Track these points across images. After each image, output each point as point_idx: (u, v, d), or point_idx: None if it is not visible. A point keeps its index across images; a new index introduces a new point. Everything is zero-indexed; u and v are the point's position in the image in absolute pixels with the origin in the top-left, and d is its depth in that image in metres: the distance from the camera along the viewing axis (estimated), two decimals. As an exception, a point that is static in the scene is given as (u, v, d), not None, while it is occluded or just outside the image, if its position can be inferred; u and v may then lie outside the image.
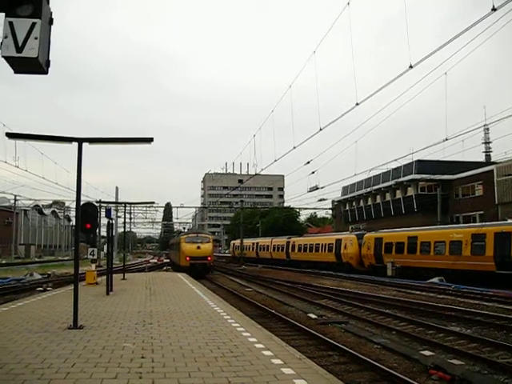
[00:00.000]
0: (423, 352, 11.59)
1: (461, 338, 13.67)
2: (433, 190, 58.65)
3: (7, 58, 4.78)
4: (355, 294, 25.76)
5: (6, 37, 4.74)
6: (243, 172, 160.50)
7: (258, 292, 27.93)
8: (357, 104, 21.19)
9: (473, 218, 53.35)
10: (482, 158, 64.93)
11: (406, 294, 25.41)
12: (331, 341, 12.71)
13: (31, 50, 4.71)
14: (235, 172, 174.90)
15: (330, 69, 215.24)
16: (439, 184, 56.81)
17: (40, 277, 36.64)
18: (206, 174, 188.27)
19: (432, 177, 55.58)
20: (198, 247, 42.92)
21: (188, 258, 42.46)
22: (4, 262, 58.99)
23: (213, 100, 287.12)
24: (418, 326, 15.75)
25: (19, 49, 4.70)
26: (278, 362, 8.11)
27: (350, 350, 11.53)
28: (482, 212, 50.52)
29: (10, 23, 4.76)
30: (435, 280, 31.60)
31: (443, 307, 19.54)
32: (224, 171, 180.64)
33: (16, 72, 5.07)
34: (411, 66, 17.20)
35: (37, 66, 4.89)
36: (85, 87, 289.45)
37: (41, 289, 25.92)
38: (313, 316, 18.02)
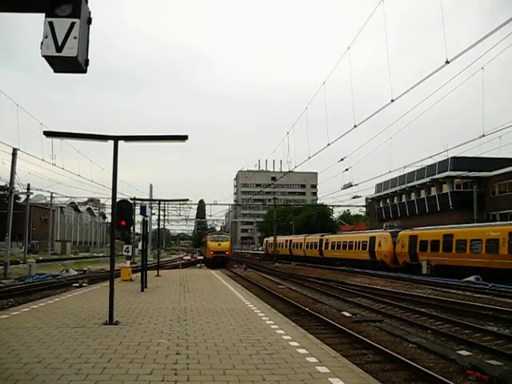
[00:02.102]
0: (460, 352, 11.41)
1: (498, 338, 13.40)
2: (469, 187, 57.80)
3: (47, 58, 4.85)
4: (389, 292, 25.51)
5: (46, 37, 4.81)
6: (276, 169, 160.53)
7: (291, 289, 27.88)
8: (392, 101, 20.95)
9: (510, 215, 52.41)
10: (519, 155, 63.54)
11: (442, 293, 25.05)
12: (366, 339, 12.60)
13: (70, 50, 4.78)
14: (268, 169, 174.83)
15: (365, 63, 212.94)
16: (475, 181, 55.93)
17: (76, 273, 37.28)
18: (239, 171, 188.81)
19: (468, 174, 54.73)
20: (219, 244, 56.69)
21: (212, 252, 55.93)
22: (41, 258, 60.04)
23: (247, 98, 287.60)
24: (454, 325, 15.50)
25: (59, 48, 4.77)
26: (312, 360, 8.09)
27: (385, 349, 11.42)
28: (519, 210, 49.67)
29: (50, 23, 4.83)
30: (471, 279, 31.07)
31: (480, 306, 19.19)
32: (257, 168, 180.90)
33: (55, 71, 5.14)
34: (447, 62, 16.92)
35: (76, 65, 4.95)
36: (114, 88, 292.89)
37: (77, 285, 26.31)
38: (347, 314, 17.91)
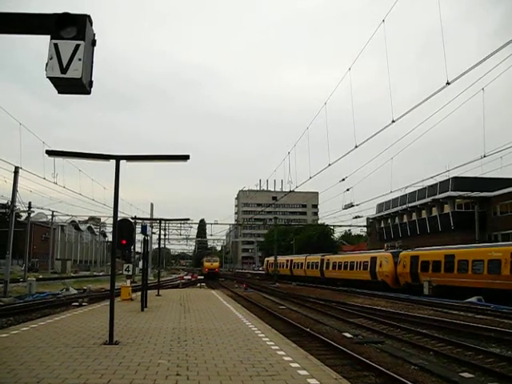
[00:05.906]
0: (462, 374, 11.33)
1: (501, 360, 13.26)
2: (470, 207, 57.77)
3: (52, 79, 4.91)
4: (391, 313, 25.37)
5: (51, 58, 4.87)
6: (277, 189, 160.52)
7: (292, 310, 27.74)
8: (393, 121, 21.03)
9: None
10: (521, 175, 63.54)
11: (444, 314, 24.91)
12: (367, 361, 12.48)
13: (75, 71, 4.84)
14: (269, 189, 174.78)
15: (367, 85, 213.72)
16: (477, 201, 55.91)
17: (76, 292, 37.10)
18: (240, 190, 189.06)
19: (469, 194, 54.73)
20: (211, 264, 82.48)
21: (206, 269, 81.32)
22: (41, 276, 59.83)
23: (249, 119, 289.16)
24: (456, 346, 15.39)
25: (63, 70, 4.83)
26: (314, 381, 8.01)
27: (387, 371, 11.30)
28: (521, 230, 49.57)
29: (55, 45, 4.89)
30: (473, 299, 30.94)
31: (482, 328, 19.04)
32: (258, 188, 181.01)
33: (60, 92, 5.20)
34: (448, 83, 17.03)
35: (80, 86, 5.01)
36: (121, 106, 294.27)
37: (76, 304, 26.19)
38: (348, 335, 17.79)
